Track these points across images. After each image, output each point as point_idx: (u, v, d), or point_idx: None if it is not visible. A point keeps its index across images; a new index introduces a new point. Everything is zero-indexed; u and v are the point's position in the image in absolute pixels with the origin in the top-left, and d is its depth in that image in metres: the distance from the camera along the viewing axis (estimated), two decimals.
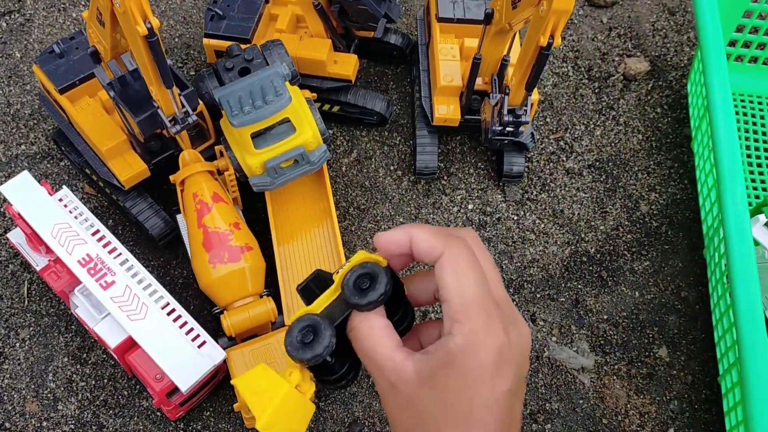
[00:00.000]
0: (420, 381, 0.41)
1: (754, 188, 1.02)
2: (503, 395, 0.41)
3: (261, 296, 0.82)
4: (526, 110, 0.80)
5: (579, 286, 0.95)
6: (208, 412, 0.85)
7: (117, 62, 0.76)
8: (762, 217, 0.85)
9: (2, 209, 0.96)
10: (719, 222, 0.88)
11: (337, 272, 0.45)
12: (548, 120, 1.08)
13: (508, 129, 0.82)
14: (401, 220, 0.99)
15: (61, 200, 0.84)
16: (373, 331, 0.43)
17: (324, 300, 0.45)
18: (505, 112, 0.81)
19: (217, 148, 0.86)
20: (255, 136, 0.79)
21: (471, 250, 0.43)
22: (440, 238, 0.43)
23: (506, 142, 0.87)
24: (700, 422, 0.87)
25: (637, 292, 0.95)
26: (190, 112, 0.74)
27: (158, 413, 0.84)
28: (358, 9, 0.90)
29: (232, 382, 0.48)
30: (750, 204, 0.99)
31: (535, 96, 0.92)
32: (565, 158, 1.05)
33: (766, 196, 0.91)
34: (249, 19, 0.94)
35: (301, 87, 0.95)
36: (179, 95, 0.72)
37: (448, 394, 0.41)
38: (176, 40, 1.11)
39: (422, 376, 0.41)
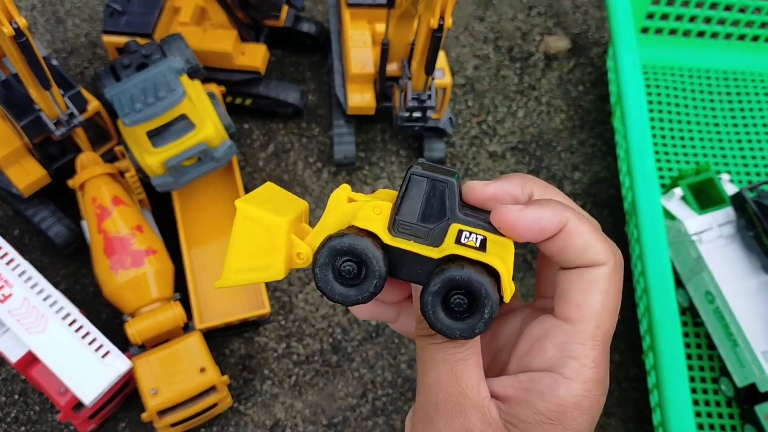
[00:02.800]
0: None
1: (677, 161, 1.02)
2: None
3: (171, 300, 0.79)
4: (430, 95, 0.78)
5: None
6: (124, 423, 0.82)
7: (0, 66, 0.73)
8: (678, 191, 0.84)
9: None
10: (632, 195, 0.87)
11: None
12: (470, 103, 1.06)
13: (414, 114, 0.80)
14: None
15: None
16: (467, 369, 0.33)
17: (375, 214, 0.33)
18: (410, 97, 0.78)
19: (117, 149, 0.83)
20: (153, 134, 0.76)
21: (623, 273, 0.34)
22: (606, 244, 0.33)
23: (417, 128, 0.85)
24: (629, 401, 0.86)
25: None
26: (76, 113, 0.70)
27: (71, 427, 0.81)
28: None
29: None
30: (663, 177, 0.99)
31: (447, 80, 0.90)
32: (488, 141, 1.03)
33: (682, 170, 0.91)
34: (149, 14, 0.90)
35: (209, 81, 0.92)
36: (63, 96, 0.69)
37: None
38: (82, 39, 1.07)
39: (513, 426, 0.32)
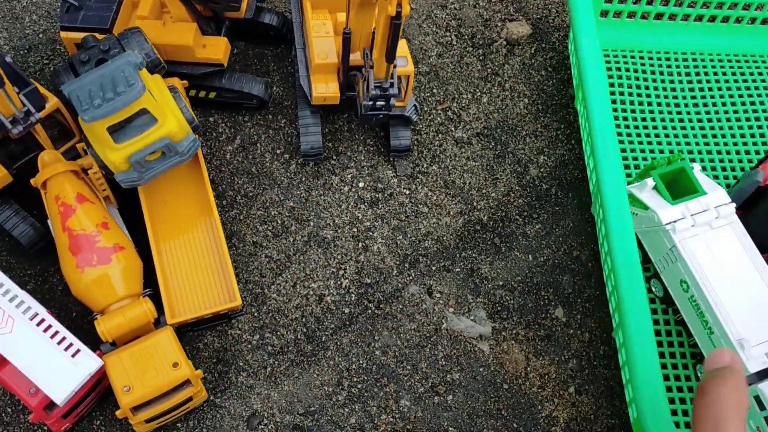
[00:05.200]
0: None
1: (651, 150, 1.02)
2: None
3: (140, 296, 0.78)
4: (392, 83, 0.78)
5: (474, 255, 0.95)
6: (99, 421, 0.81)
7: None
8: (650, 181, 0.86)
9: None
10: (596, 177, 0.88)
11: None
12: (435, 91, 1.07)
13: (378, 103, 0.80)
14: (291, 204, 0.96)
15: None
16: None
17: None
18: (372, 86, 0.79)
19: (79, 145, 0.82)
20: (113, 130, 0.75)
21: None
22: None
23: (381, 116, 0.85)
24: (600, 378, 0.88)
25: (530, 256, 0.95)
26: (32, 111, 0.69)
27: (45, 427, 0.80)
28: None
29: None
30: (638, 167, 1.01)
31: (410, 68, 0.90)
32: (453, 128, 1.04)
33: (655, 159, 0.92)
34: (107, 8, 0.89)
35: (171, 75, 0.91)
36: (18, 94, 0.68)
37: None
38: (40, 36, 1.05)
39: None
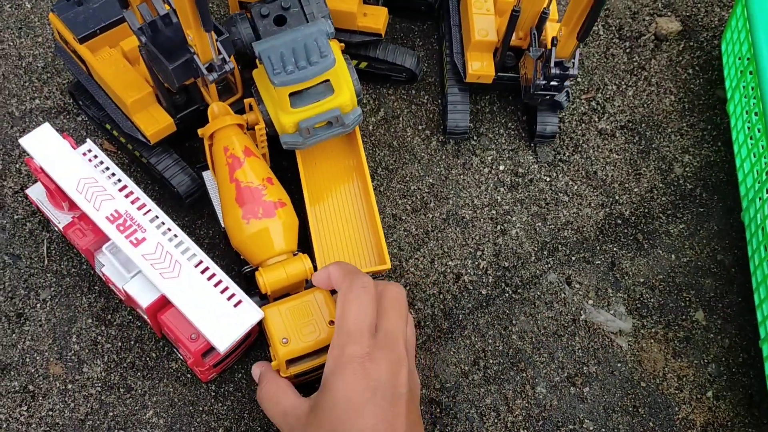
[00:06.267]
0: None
1: None
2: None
3: (294, 254, 0.79)
4: (573, 62, 0.77)
5: (615, 249, 0.93)
6: (240, 374, 0.82)
7: (147, 5, 0.72)
8: None
9: (18, 165, 0.92)
10: (760, 184, 0.86)
11: None
12: (579, 80, 1.05)
13: (552, 83, 0.79)
14: (431, 180, 0.96)
15: (85, 155, 0.81)
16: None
17: None
18: (552, 64, 0.78)
19: (246, 101, 0.82)
20: (292, 95, 0.76)
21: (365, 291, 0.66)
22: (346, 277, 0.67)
23: (548, 97, 0.84)
24: (739, 385, 0.86)
25: (673, 255, 0.93)
26: (227, 59, 0.70)
27: (188, 375, 0.81)
28: None
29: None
30: None
31: None
32: (597, 119, 1.02)
33: None
34: None
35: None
36: (216, 41, 0.68)
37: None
38: None
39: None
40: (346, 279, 0.68)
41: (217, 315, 0.72)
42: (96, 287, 0.85)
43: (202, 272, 0.75)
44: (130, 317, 0.84)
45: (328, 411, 0.61)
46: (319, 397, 0.64)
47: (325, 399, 0.62)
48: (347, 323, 0.65)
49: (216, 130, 0.80)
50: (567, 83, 0.79)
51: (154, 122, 0.83)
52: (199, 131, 0.81)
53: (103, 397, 0.80)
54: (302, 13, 0.80)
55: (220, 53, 0.69)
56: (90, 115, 0.92)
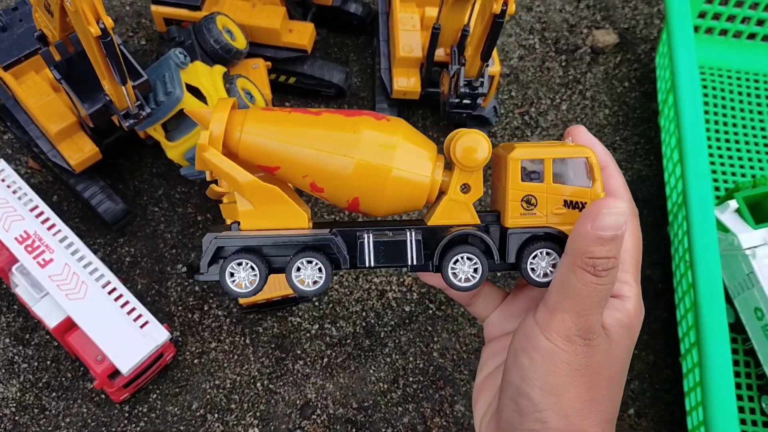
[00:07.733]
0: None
1: (732, 173, 1.00)
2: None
3: None
4: (482, 82, 0.77)
5: None
6: (155, 395, 0.82)
7: (65, 42, 0.71)
8: (733, 203, 0.83)
9: None
10: (683, 198, 0.86)
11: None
12: (513, 94, 1.05)
13: (464, 101, 0.79)
14: None
15: None
16: None
17: None
18: (461, 83, 0.77)
19: None
20: (168, 129, 0.76)
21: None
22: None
23: (465, 115, 0.84)
24: (661, 402, 0.86)
25: None
26: (144, 104, 0.69)
27: (102, 396, 0.81)
28: None
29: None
30: (718, 189, 0.97)
31: (496, 68, 0.89)
32: (530, 133, 1.02)
33: (738, 182, 0.89)
34: None
35: (254, 57, 0.91)
36: (133, 87, 0.67)
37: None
38: (127, 8, 1.07)
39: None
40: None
41: (122, 336, 0.72)
42: (15, 307, 0.85)
43: (110, 293, 0.75)
44: (48, 337, 0.84)
45: None
46: None
47: None
48: None
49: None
50: (480, 101, 0.79)
51: (80, 151, 0.82)
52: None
53: (17, 418, 0.79)
54: (196, 43, 0.81)
55: (137, 100, 0.69)
56: (16, 135, 0.91)
